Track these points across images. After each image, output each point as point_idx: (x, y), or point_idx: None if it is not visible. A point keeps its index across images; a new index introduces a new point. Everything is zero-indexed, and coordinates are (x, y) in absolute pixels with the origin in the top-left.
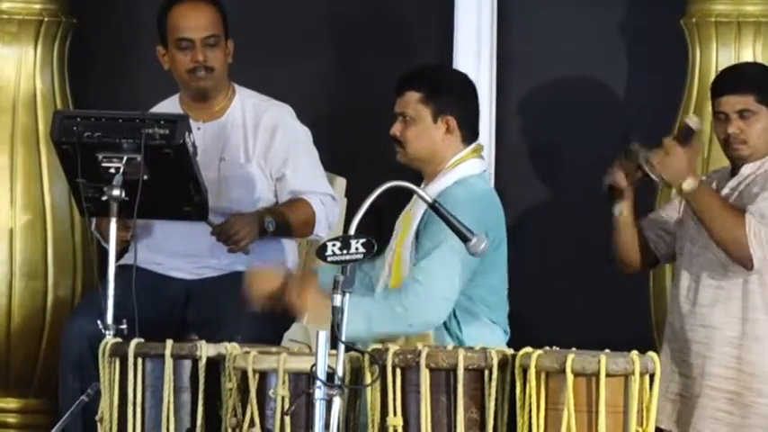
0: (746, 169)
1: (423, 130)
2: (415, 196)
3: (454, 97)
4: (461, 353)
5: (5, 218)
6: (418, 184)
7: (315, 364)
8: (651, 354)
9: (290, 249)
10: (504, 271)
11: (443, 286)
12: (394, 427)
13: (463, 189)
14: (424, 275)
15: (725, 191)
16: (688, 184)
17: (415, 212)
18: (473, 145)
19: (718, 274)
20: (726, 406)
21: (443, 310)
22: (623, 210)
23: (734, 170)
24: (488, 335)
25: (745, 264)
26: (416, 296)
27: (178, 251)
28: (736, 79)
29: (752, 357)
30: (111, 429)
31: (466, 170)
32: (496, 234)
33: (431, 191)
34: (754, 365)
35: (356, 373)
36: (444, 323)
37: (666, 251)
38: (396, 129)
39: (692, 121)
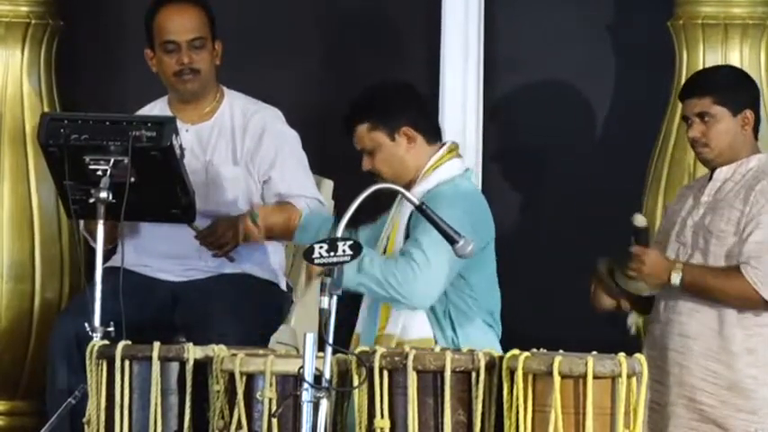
0: (720, 174)
1: (388, 153)
2: (395, 205)
3: (399, 109)
4: (448, 355)
5: None
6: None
7: (302, 367)
8: (638, 356)
9: (278, 252)
10: (493, 269)
11: (436, 269)
12: (381, 429)
13: (449, 187)
14: (420, 256)
15: (704, 198)
16: (675, 278)
17: (399, 219)
18: (447, 145)
19: None
20: (700, 417)
21: (433, 292)
22: (636, 321)
23: (711, 175)
24: (482, 337)
25: (764, 308)
26: (413, 272)
27: (165, 253)
28: (694, 83)
29: (728, 372)
30: (98, 431)
31: (448, 171)
32: (485, 231)
33: (414, 194)
34: (730, 380)
35: (343, 375)
36: (440, 325)
37: None
38: (366, 164)
39: (637, 221)
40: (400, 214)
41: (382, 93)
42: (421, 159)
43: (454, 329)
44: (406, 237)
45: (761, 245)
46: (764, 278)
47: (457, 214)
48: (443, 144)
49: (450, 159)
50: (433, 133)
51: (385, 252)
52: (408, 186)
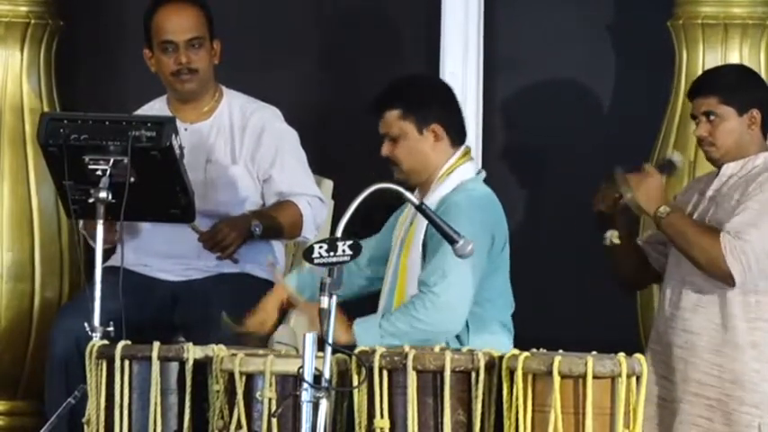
0: (727, 170)
1: (411, 145)
2: (409, 209)
3: (433, 105)
4: (448, 355)
5: None
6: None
7: (302, 367)
8: (638, 356)
9: (278, 252)
10: (507, 271)
11: (459, 294)
12: (381, 429)
13: (464, 195)
14: (440, 285)
15: (709, 193)
16: (662, 210)
17: (416, 226)
18: (461, 149)
19: (701, 280)
20: (706, 413)
21: (461, 317)
22: (613, 237)
23: (719, 171)
24: (497, 343)
25: (726, 281)
26: (434, 306)
27: (165, 253)
28: (702, 82)
29: (732, 365)
30: (98, 431)
31: (461, 176)
32: (501, 236)
33: (430, 201)
34: (734, 373)
35: (343, 375)
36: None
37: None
38: (385, 149)
39: (675, 156)
40: (416, 223)
41: (421, 84)
42: (441, 160)
43: (469, 336)
44: (424, 243)
45: (744, 223)
46: (735, 252)
47: (474, 228)
48: (461, 148)
49: (464, 164)
50: (459, 138)
51: (401, 254)
52: (423, 187)
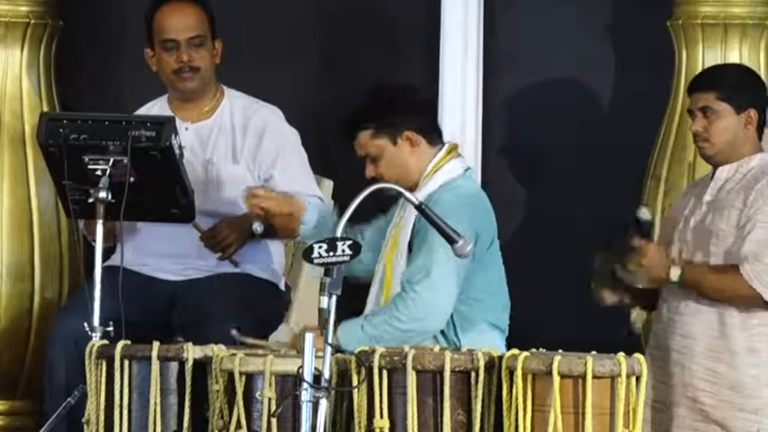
0: (722, 173)
1: (391, 158)
2: (399, 206)
3: (400, 114)
4: (448, 355)
5: None
6: None
7: (301, 367)
8: (638, 356)
9: (277, 251)
10: (500, 270)
11: (442, 292)
12: (380, 429)
13: (451, 193)
14: (422, 283)
15: (706, 198)
16: (674, 274)
17: (404, 225)
18: (446, 146)
19: None
20: (703, 417)
21: (444, 315)
22: (638, 320)
23: (714, 174)
24: (486, 342)
25: (764, 306)
26: (415, 305)
27: (164, 253)
28: (702, 77)
29: (730, 371)
30: (97, 431)
31: (448, 173)
32: (488, 234)
33: (417, 198)
34: (732, 379)
35: (343, 375)
36: (442, 330)
37: None
38: (369, 171)
39: (642, 213)
40: (405, 217)
41: (382, 98)
42: (424, 162)
43: (457, 335)
44: (410, 241)
45: (759, 243)
46: (760, 277)
47: (460, 226)
48: (444, 145)
49: (450, 161)
50: (435, 135)
51: (388, 253)
52: (411, 190)
